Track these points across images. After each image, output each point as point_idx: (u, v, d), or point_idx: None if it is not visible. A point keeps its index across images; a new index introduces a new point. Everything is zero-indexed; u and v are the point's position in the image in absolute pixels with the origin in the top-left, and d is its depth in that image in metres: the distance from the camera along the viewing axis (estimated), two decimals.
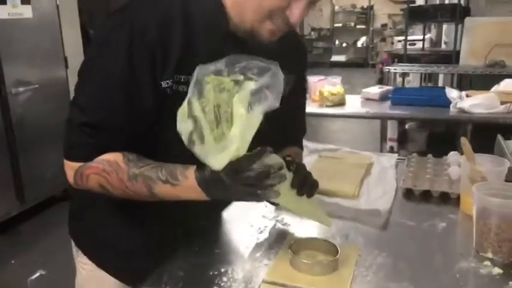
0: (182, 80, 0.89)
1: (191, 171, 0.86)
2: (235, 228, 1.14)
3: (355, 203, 1.24)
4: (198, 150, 0.77)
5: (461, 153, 1.24)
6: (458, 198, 1.26)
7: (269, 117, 0.79)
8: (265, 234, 1.08)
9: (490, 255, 0.96)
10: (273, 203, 0.95)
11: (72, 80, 3.59)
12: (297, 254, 0.95)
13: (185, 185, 0.86)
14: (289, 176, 0.90)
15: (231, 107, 0.77)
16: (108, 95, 0.89)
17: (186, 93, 0.79)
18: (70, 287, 1.16)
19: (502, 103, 2.46)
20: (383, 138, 4.02)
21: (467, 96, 2.61)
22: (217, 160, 0.78)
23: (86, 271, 1.11)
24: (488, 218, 0.96)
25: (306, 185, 0.92)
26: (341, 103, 2.79)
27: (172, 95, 0.89)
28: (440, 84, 5.13)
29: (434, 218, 1.16)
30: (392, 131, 4.14)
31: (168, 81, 0.89)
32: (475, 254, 0.99)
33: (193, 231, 1.06)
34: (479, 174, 1.13)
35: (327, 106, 2.73)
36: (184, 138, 0.77)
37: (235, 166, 0.80)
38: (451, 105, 2.56)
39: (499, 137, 1.58)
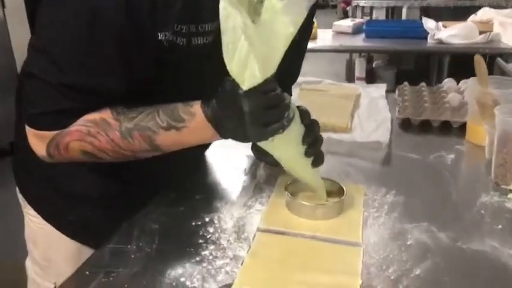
0: (184, 30, 0.69)
1: (197, 107, 0.68)
2: (217, 171, 0.96)
3: (349, 136, 1.09)
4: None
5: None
6: (461, 127, 1.13)
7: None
8: (253, 176, 0.91)
9: None
10: (270, 162, 0.77)
11: (11, 21, 3.21)
12: (294, 196, 0.80)
13: (193, 125, 0.69)
14: (301, 128, 0.72)
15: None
16: (98, 47, 0.66)
17: (184, 48, 0.68)
18: (21, 240, 0.97)
19: (481, 33, 2.35)
20: (351, 77, 3.89)
21: (444, 26, 2.48)
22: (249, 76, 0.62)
23: (35, 224, 0.91)
24: None
25: (317, 145, 0.75)
26: (312, 37, 2.60)
27: (168, 48, 0.69)
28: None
29: (440, 149, 1.03)
30: (360, 69, 4.02)
31: (166, 32, 0.67)
32: (494, 186, 0.86)
33: (171, 175, 0.88)
34: (490, 97, 0.99)
35: None
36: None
37: (259, 86, 0.63)
38: (428, 37, 2.43)
39: (499, 60, 1.45)
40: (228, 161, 0.97)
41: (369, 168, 0.96)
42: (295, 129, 0.70)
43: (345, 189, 0.79)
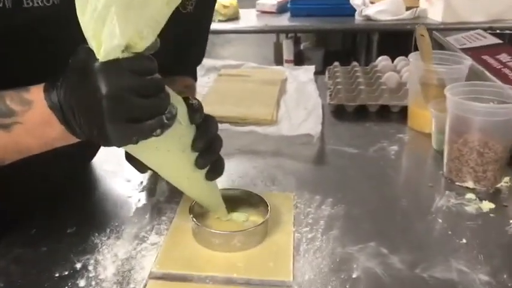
0: None
1: (36, 92, 0.45)
2: (102, 187, 0.73)
3: (276, 129, 0.91)
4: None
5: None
6: (401, 111, 0.98)
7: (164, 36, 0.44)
8: (151, 192, 0.69)
9: (470, 184, 0.69)
10: (140, 169, 0.54)
11: None
12: (203, 219, 0.59)
13: (29, 118, 0.46)
14: (190, 129, 0.51)
15: None
16: None
17: (11, 13, 0.47)
18: None
19: (407, 9, 2.27)
20: (279, 60, 3.74)
21: (371, 3, 2.37)
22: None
23: None
24: (469, 132, 0.68)
25: (212, 152, 0.53)
26: (234, 17, 2.39)
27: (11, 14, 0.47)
28: None
29: (380, 139, 0.87)
30: (288, 52, 3.88)
31: None
32: (448, 184, 0.71)
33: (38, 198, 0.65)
34: (435, 75, 0.84)
35: (219, 21, 2.31)
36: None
37: (125, 61, 0.42)
38: (356, 14, 2.31)
39: (436, 33, 1.32)
40: (119, 171, 0.74)
41: (300, 170, 0.78)
42: (181, 130, 0.49)
43: (269, 205, 0.60)
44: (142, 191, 0.69)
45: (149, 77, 0.43)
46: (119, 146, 0.45)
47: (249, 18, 2.49)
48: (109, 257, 0.55)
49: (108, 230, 0.60)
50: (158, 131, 0.44)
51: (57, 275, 0.52)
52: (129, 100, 0.42)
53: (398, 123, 0.95)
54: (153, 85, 0.43)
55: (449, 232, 0.60)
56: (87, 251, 0.56)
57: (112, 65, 0.41)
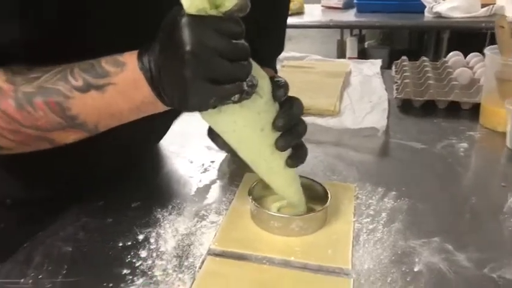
0: None
1: (130, 55, 0.46)
2: (165, 166, 0.75)
3: (338, 121, 0.89)
4: None
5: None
6: (472, 109, 0.93)
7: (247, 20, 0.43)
8: (212, 174, 0.70)
9: None
10: (221, 145, 0.54)
11: None
12: (262, 202, 0.59)
13: (121, 79, 0.46)
14: (272, 107, 0.50)
15: None
16: None
17: None
18: None
19: (483, 6, 2.15)
20: (342, 57, 3.68)
21: None
22: None
23: None
24: None
25: (294, 134, 0.52)
26: (299, 11, 2.38)
27: None
28: None
29: (449, 136, 0.83)
30: (351, 50, 3.81)
31: None
32: None
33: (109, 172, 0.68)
34: None
35: None
36: None
37: (211, 18, 0.42)
38: (426, 10, 2.22)
39: None
40: (182, 152, 0.76)
41: (362, 162, 0.76)
42: (260, 105, 0.48)
43: (329, 193, 0.59)
44: (204, 172, 0.71)
45: (235, 41, 0.42)
46: (197, 109, 0.45)
47: (313, 14, 2.46)
48: (170, 231, 0.56)
49: (170, 207, 0.61)
50: (236, 96, 0.43)
51: (120, 244, 0.54)
52: (211, 60, 0.41)
53: (469, 120, 0.90)
54: (238, 49, 0.43)
55: None
56: (150, 224, 0.57)
57: (198, 20, 0.41)
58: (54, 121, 0.48)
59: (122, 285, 0.48)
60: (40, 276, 0.49)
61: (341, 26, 2.56)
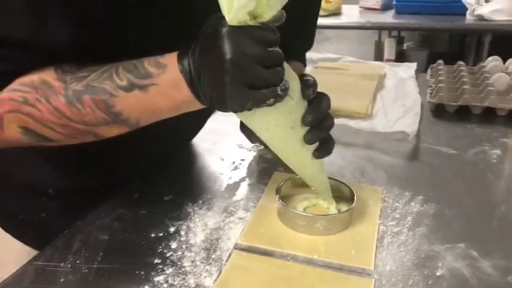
0: None
1: (170, 57, 0.49)
2: (198, 163, 0.78)
3: (369, 124, 0.89)
4: None
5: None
6: (508, 115, 0.91)
7: None
8: (242, 171, 0.73)
9: None
10: (251, 139, 0.56)
11: None
12: (289, 201, 0.61)
13: (163, 81, 0.49)
14: (301, 106, 0.52)
15: None
16: None
17: None
18: None
19: None
20: (379, 59, 3.63)
21: (486, 1, 2.21)
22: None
23: None
24: None
25: (321, 128, 0.54)
26: (336, 12, 2.38)
27: None
28: None
29: (481, 143, 0.82)
30: (389, 51, 3.76)
31: None
32: None
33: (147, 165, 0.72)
34: None
35: (320, 16, 2.31)
36: None
37: (251, 29, 0.45)
38: (467, 12, 2.17)
39: None
40: (214, 149, 0.79)
41: (392, 165, 0.76)
42: (291, 106, 0.50)
43: (355, 194, 0.60)
44: (234, 169, 0.73)
45: (271, 49, 0.45)
46: (234, 111, 0.48)
47: (351, 14, 2.46)
48: (199, 225, 0.59)
49: (200, 201, 0.64)
50: (271, 100, 0.46)
51: (152, 235, 0.57)
52: (250, 67, 0.44)
53: (504, 126, 0.89)
54: (273, 57, 0.45)
55: None
56: (181, 217, 0.60)
57: (239, 31, 0.44)
58: (100, 117, 0.51)
59: (153, 273, 0.51)
60: (78, 262, 0.53)
61: (378, 28, 2.54)
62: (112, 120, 0.51)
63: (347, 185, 0.62)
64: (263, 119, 0.50)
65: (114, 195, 0.66)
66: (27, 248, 0.73)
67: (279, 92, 0.46)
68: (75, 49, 0.51)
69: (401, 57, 3.70)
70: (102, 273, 0.51)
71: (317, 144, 0.55)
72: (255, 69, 0.44)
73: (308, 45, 0.86)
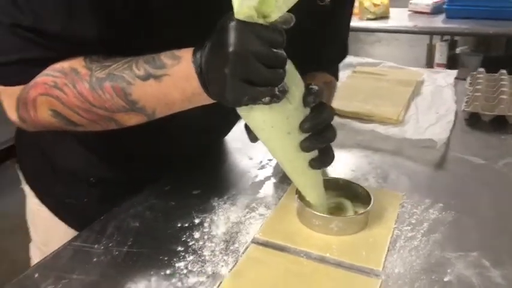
0: None
1: (186, 51, 0.53)
2: (227, 161, 0.83)
3: (399, 131, 0.90)
4: None
5: None
6: None
7: (303, 28, 0.51)
8: (268, 171, 0.76)
9: None
10: (252, 138, 0.59)
11: None
12: (308, 202, 0.64)
13: (175, 72, 0.52)
14: (301, 113, 0.54)
15: None
16: None
17: None
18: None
19: None
20: (431, 63, 3.54)
21: None
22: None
23: (33, 204, 0.84)
24: None
25: (320, 137, 0.56)
26: (384, 16, 2.35)
27: None
28: None
29: None
30: (440, 55, 3.66)
31: None
32: None
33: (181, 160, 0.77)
34: None
35: (367, 19, 2.30)
36: None
37: (257, 26, 0.47)
38: None
39: None
40: (243, 149, 0.83)
41: (416, 172, 0.77)
42: (289, 110, 0.52)
43: (372, 197, 0.62)
44: (261, 168, 0.77)
45: (275, 50, 0.47)
46: (231, 104, 0.50)
47: (400, 18, 2.42)
48: (222, 218, 0.63)
49: (225, 197, 0.68)
50: (267, 99, 0.48)
51: (179, 225, 0.62)
52: (251, 63, 0.47)
53: None
54: (276, 58, 0.48)
55: None
56: (206, 210, 0.65)
57: (246, 27, 0.46)
58: (119, 104, 0.55)
59: (175, 259, 0.56)
60: (110, 245, 0.58)
61: (426, 32, 2.49)
62: (130, 108, 0.55)
63: (366, 189, 0.65)
64: (259, 118, 0.52)
65: (148, 186, 0.72)
66: (71, 231, 0.80)
67: (276, 93, 0.48)
68: (104, 45, 0.56)
69: (453, 61, 3.58)
70: (131, 257, 0.56)
71: (316, 154, 0.57)
72: (255, 66, 0.47)
73: (341, 55, 0.87)
